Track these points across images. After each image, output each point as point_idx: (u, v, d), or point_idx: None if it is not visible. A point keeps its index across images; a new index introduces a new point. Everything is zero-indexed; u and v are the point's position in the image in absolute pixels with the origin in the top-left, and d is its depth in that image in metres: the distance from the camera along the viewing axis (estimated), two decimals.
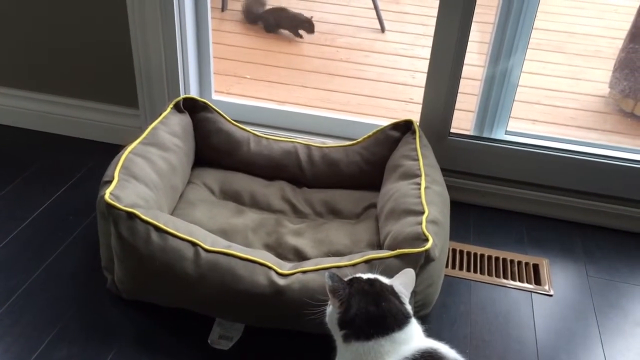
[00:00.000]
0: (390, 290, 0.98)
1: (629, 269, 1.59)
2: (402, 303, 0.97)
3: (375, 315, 0.93)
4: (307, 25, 2.87)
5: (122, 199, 1.29)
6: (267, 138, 1.70)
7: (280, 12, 2.94)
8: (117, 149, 1.48)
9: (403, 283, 1.00)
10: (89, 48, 1.84)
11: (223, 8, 3.17)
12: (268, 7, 2.99)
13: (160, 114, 1.60)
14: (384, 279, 1.01)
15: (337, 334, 0.97)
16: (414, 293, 1.20)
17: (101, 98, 1.92)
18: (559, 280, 1.54)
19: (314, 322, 1.06)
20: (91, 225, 1.59)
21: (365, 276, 1.01)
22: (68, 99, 1.94)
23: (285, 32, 2.92)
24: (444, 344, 0.95)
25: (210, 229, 1.38)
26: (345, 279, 0.99)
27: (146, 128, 1.54)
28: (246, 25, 3.04)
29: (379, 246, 1.39)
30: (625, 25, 2.35)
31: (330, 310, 0.98)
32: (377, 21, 3.02)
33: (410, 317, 0.96)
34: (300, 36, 2.89)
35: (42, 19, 1.83)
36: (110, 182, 1.33)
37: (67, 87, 1.93)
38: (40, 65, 1.91)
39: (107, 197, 1.27)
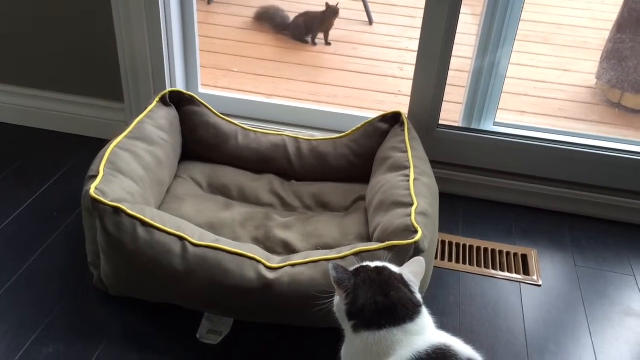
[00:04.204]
0: (400, 278, 0.95)
1: (616, 258, 1.60)
2: (412, 292, 0.95)
3: (384, 305, 0.91)
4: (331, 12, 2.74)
5: (107, 193, 1.27)
6: (255, 131, 1.69)
7: (306, 16, 2.82)
8: (102, 143, 1.46)
9: (413, 271, 0.98)
10: (73, 41, 1.81)
11: (209, 1, 3.14)
12: (287, 12, 2.86)
13: (146, 108, 1.58)
14: (393, 267, 0.98)
15: (347, 325, 0.95)
16: None
17: (86, 92, 1.90)
18: (548, 271, 1.55)
19: (303, 316, 1.05)
20: (77, 221, 1.57)
21: (373, 264, 0.99)
22: (52, 93, 1.92)
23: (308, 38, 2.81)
24: (457, 339, 0.93)
25: (198, 223, 1.37)
26: (351, 269, 0.97)
27: (132, 122, 1.53)
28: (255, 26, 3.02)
29: (368, 238, 1.38)
30: (612, 16, 2.35)
31: (338, 301, 0.96)
32: (364, 13, 3.01)
33: (420, 306, 0.94)
34: (315, 43, 2.80)
35: (25, 12, 1.79)
36: (95, 176, 1.31)
37: (51, 81, 1.90)
38: (23, 58, 1.88)
39: (92, 192, 1.25)
